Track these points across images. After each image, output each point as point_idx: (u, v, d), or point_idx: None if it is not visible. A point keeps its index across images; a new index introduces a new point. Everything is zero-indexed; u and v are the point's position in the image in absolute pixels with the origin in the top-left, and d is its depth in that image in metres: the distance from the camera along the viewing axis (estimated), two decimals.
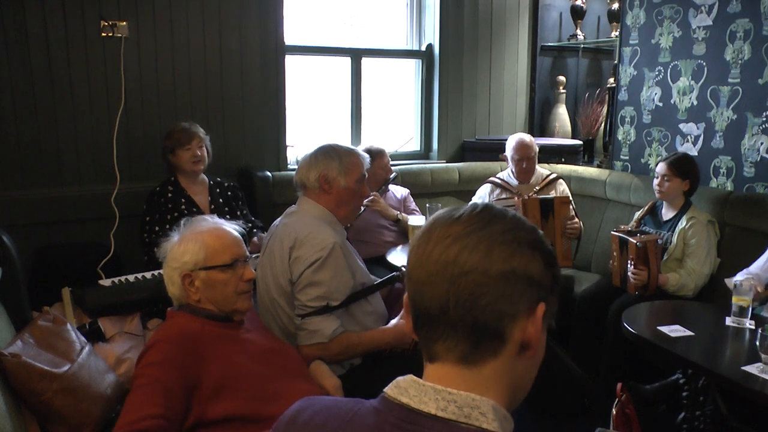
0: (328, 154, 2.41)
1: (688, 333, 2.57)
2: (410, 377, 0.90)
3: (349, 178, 2.38)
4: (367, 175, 2.48)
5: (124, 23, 3.67)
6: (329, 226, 2.34)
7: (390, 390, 0.90)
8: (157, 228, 3.27)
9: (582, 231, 3.96)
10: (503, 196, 4.07)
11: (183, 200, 3.40)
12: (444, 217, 0.92)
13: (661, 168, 3.52)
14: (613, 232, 3.55)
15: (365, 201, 3.57)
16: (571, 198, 3.96)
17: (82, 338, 2.32)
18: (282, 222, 2.46)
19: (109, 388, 2.23)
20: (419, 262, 0.90)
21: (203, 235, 1.88)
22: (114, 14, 3.65)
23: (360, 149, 2.53)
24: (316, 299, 2.24)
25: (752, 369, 2.22)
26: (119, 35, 3.66)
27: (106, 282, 2.93)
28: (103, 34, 3.64)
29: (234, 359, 1.79)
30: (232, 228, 1.97)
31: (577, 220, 3.87)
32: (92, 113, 3.68)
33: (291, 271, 2.29)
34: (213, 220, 1.96)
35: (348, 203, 2.41)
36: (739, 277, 3.05)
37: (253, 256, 3.21)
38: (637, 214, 3.77)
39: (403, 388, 0.89)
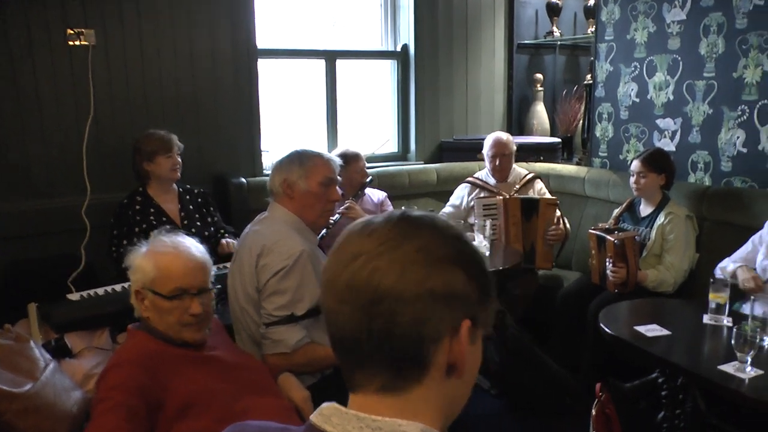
0: (291, 158, 2.39)
1: (665, 332, 2.54)
2: (333, 405, 0.85)
3: (310, 181, 2.34)
4: (335, 179, 2.43)
5: (91, 31, 3.59)
6: (298, 234, 2.30)
7: (315, 417, 0.85)
8: (125, 242, 3.19)
9: (568, 234, 3.93)
10: (482, 195, 4.04)
11: (152, 210, 3.34)
12: (356, 231, 0.85)
13: (635, 165, 3.50)
14: (590, 231, 3.54)
15: (341, 209, 3.54)
16: (557, 201, 3.92)
17: (47, 355, 2.25)
18: (252, 229, 2.43)
19: (75, 406, 2.16)
20: (330, 285, 0.84)
21: (158, 257, 1.81)
22: (80, 22, 3.57)
23: (329, 154, 2.49)
24: (280, 308, 2.20)
25: (728, 368, 2.19)
26: (86, 43, 3.58)
27: (74, 296, 2.87)
28: (70, 43, 3.56)
29: (197, 378, 1.73)
30: (198, 253, 1.88)
31: (561, 226, 3.84)
32: (61, 124, 3.60)
33: (258, 279, 2.26)
34: (179, 239, 1.87)
35: (313, 207, 2.37)
36: (726, 264, 3.01)
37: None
38: (616, 212, 3.75)
39: (326, 416, 0.84)
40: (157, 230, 1.94)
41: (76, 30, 3.55)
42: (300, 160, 2.37)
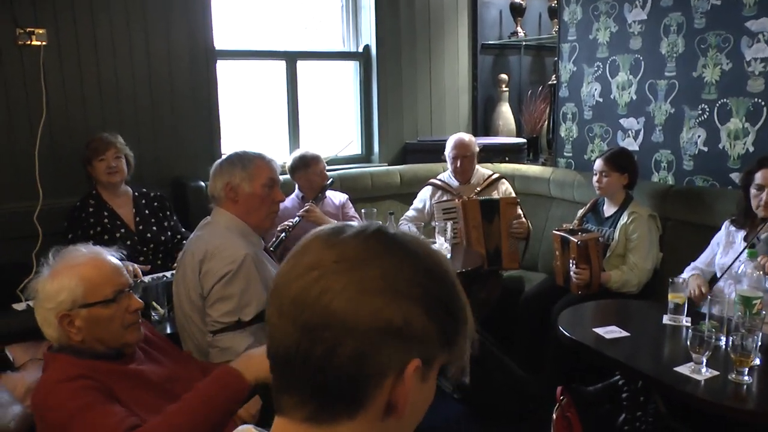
0: (231, 161, 2.33)
1: (624, 334, 2.51)
2: (249, 429, 0.79)
3: (254, 184, 2.29)
4: (277, 179, 2.38)
5: (43, 30, 3.49)
6: (242, 238, 2.25)
7: None
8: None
9: (530, 231, 3.92)
10: (444, 198, 4.01)
11: (106, 213, 3.27)
12: (323, 236, 0.76)
13: (598, 165, 3.49)
14: (554, 232, 3.52)
15: (300, 211, 3.48)
16: (518, 199, 3.90)
17: None
18: (195, 235, 2.37)
19: (12, 422, 2.09)
20: (276, 294, 0.75)
21: (79, 268, 1.68)
22: (30, 21, 3.47)
23: (291, 163, 2.43)
24: (226, 314, 2.13)
25: (684, 369, 2.16)
26: (38, 43, 3.48)
27: (20, 305, 2.78)
28: (20, 42, 3.45)
29: (137, 395, 1.64)
30: (110, 255, 1.78)
31: (523, 220, 3.83)
32: (11, 126, 3.49)
33: (202, 286, 2.19)
34: (88, 249, 1.76)
35: (258, 210, 2.31)
36: (686, 273, 3.03)
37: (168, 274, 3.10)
38: (580, 213, 3.74)
39: None
40: (51, 251, 1.76)
41: (26, 29, 3.45)
42: (242, 162, 2.31)
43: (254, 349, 1.74)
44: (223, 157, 2.38)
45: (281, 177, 2.54)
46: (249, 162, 2.31)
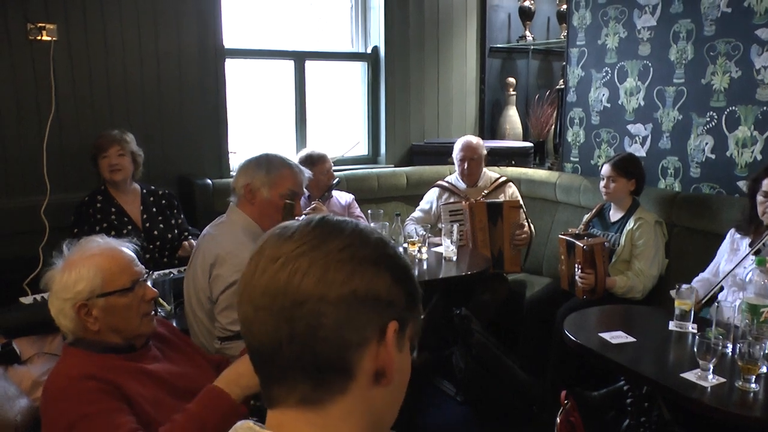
0: (258, 162, 2.31)
1: (630, 339, 2.51)
2: (247, 424, 0.79)
3: (273, 191, 2.27)
4: (299, 192, 2.35)
5: (53, 26, 3.50)
6: (253, 242, 2.22)
7: None
8: None
9: (532, 237, 3.93)
10: (451, 200, 4.01)
11: (113, 210, 3.28)
12: (275, 235, 0.81)
13: (605, 170, 3.49)
14: (560, 236, 3.51)
15: (307, 209, 3.48)
16: (521, 203, 3.91)
17: None
18: (208, 233, 2.35)
19: (19, 415, 2.07)
20: (246, 291, 0.79)
21: (96, 258, 1.69)
22: (41, 16, 3.48)
23: (300, 165, 2.40)
24: (235, 322, 2.11)
25: (690, 376, 2.16)
26: (48, 38, 3.49)
27: (27, 299, 2.78)
28: (30, 38, 3.47)
29: (143, 393, 1.63)
30: (125, 246, 1.79)
31: (526, 229, 3.83)
32: (20, 121, 3.51)
33: (211, 290, 2.19)
34: (102, 240, 1.77)
35: (271, 217, 2.27)
36: (694, 283, 3.01)
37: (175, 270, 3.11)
38: (586, 217, 3.73)
39: None
40: (64, 243, 1.77)
41: (37, 24, 3.46)
42: (267, 167, 2.29)
43: (234, 365, 1.67)
44: (255, 155, 2.35)
45: None
46: (274, 168, 2.29)
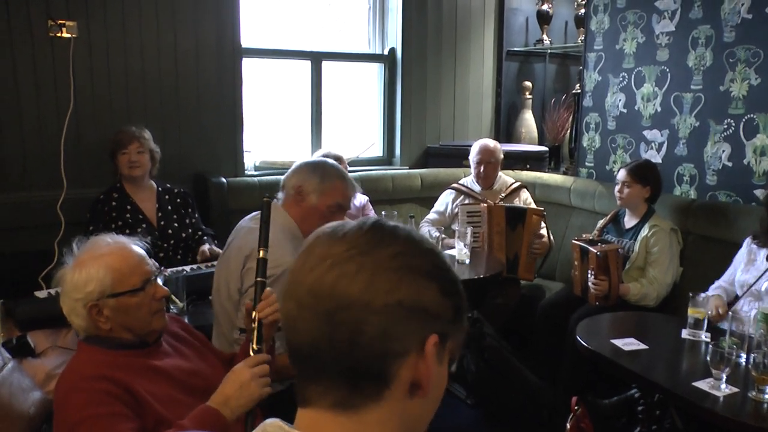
0: (314, 167, 2.33)
1: (642, 346, 2.49)
2: (277, 423, 0.79)
3: (321, 200, 2.28)
4: (346, 206, 2.34)
5: (73, 23, 3.53)
6: (290, 243, 2.21)
7: None
8: None
9: (552, 247, 3.91)
10: (467, 201, 4.00)
11: (128, 207, 3.29)
12: (327, 234, 0.80)
13: (621, 175, 3.47)
14: (574, 241, 3.50)
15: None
16: (544, 212, 3.88)
17: (6, 354, 2.19)
18: (248, 226, 2.34)
19: (32, 407, 2.10)
20: (292, 288, 0.78)
21: (106, 258, 1.67)
22: (62, 13, 3.51)
23: (349, 178, 2.39)
24: None
25: (703, 385, 2.14)
26: (68, 35, 3.52)
27: (42, 293, 2.80)
28: (51, 34, 3.50)
29: (153, 390, 1.64)
30: (135, 244, 1.78)
31: (545, 239, 3.82)
32: (40, 116, 3.54)
33: (242, 281, 2.20)
34: (112, 239, 1.76)
35: (313, 223, 2.21)
36: (710, 291, 2.99)
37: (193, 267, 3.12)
38: (600, 223, 3.72)
39: None
40: (74, 241, 1.76)
41: (58, 21, 3.49)
42: (322, 173, 2.30)
43: (221, 388, 1.63)
44: (314, 157, 2.36)
45: None
46: (329, 178, 2.29)
